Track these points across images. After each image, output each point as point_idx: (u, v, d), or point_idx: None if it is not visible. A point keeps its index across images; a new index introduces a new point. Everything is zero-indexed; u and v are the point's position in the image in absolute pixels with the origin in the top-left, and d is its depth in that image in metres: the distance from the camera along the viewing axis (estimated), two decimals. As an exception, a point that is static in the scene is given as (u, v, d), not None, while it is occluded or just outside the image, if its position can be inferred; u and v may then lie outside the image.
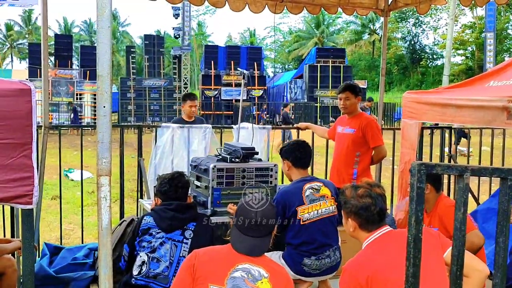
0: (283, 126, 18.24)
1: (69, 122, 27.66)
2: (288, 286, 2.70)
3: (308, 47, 55.62)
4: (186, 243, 3.41)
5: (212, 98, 33.40)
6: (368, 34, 60.05)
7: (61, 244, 5.87)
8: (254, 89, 33.76)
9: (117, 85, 33.82)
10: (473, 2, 5.70)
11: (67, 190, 9.95)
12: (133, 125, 23.24)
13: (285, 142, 4.25)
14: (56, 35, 39.95)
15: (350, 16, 42.98)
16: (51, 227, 7.47)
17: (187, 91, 34.10)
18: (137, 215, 5.19)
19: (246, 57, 34.92)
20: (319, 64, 33.69)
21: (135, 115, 31.93)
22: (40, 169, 4.82)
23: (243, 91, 5.67)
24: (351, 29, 61.48)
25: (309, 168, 5.12)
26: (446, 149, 6.71)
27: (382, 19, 6.55)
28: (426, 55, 57.17)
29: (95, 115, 29.74)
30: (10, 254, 4.05)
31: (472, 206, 5.67)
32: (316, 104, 32.66)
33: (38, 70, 26.42)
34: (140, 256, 3.40)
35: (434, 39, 58.29)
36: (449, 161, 6.55)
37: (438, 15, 54.33)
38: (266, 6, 5.97)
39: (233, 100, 32.82)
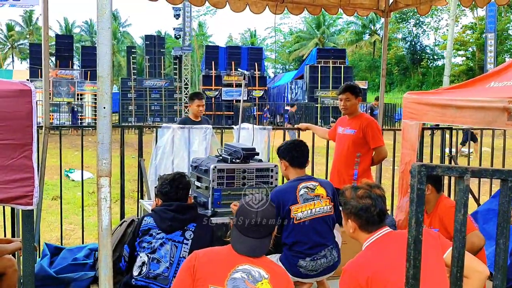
0: (282, 126, 18.20)
1: (69, 122, 27.66)
2: (288, 287, 2.70)
3: (308, 47, 55.62)
4: (187, 244, 3.41)
5: (213, 98, 33.42)
6: (368, 35, 60.03)
7: (61, 244, 5.88)
8: (255, 90, 33.77)
9: (117, 85, 33.84)
10: (473, 2, 5.70)
11: (67, 190, 9.96)
12: (134, 125, 23.28)
13: (283, 142, 4.25)
14: (57, 35, 40.00)
15: (351, 17, 43.00)
16: (51, 227, 7.47)
17: (187, 91, 34.12)
18: (137, 216, 5.19)
19: (246, 57, 34.94)
20: (319, 65, 33.69)
21: (135, 116, 31.95)
22: (41, 169, 4.82)
23: (244, 92, 5.67)
24: (352, 30, 61.48)
25: (310, 169, 5.13)
26: (447, 150, 6.70)
27: (382, 19, 6.56)
28: (426, 55, 57.15)
29: (95, 115, 29.74)
30: (10, 254, 4.06)
31: (472, 206, 5.66)
32: (316, 105, 32.66)
33: (39, 70, 26.46)
34: (140, 257, 3.40)
35: (435, 39, 58.24)
36: (450, 162, 6.55)
37: (439, 16, 54.39)
38: (267, 6, 5.97)
39: (234, 101, 32.84)
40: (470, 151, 9.80)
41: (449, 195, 6.28)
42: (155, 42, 35.10)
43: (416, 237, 1.68)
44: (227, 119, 32.50)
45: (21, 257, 4.26)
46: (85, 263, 4.94)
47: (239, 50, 36.95)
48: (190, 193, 3.79)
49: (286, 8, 6.07)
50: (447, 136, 6.58)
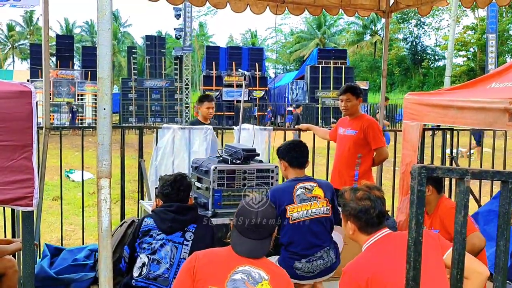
0: (283, 127, 18.17)
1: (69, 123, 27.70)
2: (289, 288, 2.70)
3: (309, 48, 55.60)
4: (187, 245, 3.40)
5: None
6: (369, 35, 60.02)
7: (62, 245, 5.88)
8: (256, 90, 33.78)
9: (118, 85, 33.86)
10: (474, 3, 5.69)
11: (68, 191, 9.96)
12: (134, 126, 23.28)
13: (283, 143, 4.25)
14: (57, 35, 40.01)
15: (352, 17, 42.96)
16: (52, 228, 7.47)
17: (188, 92, 34.14)
18: (137, 216, 5.19)
19: (247, 58, 34.98)
20: (320, 65, 33.66)
21: (136, 116, 31.96)
22: (41, 170, 4.82)
23: (244, 92, 5.67)
24: (353, 30, 61.46)
25: (310, 169, 5.12)
26: (448, 151, 6.70)
27: (383, 20, 6.55)
28: (427, 56, 57.14)
29: (96, 115, 29.73)
30: (11, 255, 4.06)
31: (473, 207, 5.66)
32: (317, 105, 32.65)
33: (40, 70, 26.47)
34: (141, 258, 3.40)
35: (436, 40, 58.21)
36: (451, 163, 6.54)
37: (440, 16, 54.36)
38: (267, 7, 5.97)
39: (234, 101, 32.85)
40: (471, 152, 9.79)
41: (450, 196, 6.28)
42: (155, 43, 35.11)
43: (416, 239, 1.68)
44: (228, 120, 32.51)
45: (21, 258, 4.27)
46: (85, 263, 4.94)
47: (239, 50, 36.99)
48: (190, 194, 3.78)
49: (286, 9, 6.07)
50: (448, 136, 6.58)
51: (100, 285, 2.22)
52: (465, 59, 50.59)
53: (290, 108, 32.49)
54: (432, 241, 2.62)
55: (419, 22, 56.00)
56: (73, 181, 11.49)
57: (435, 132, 7.04)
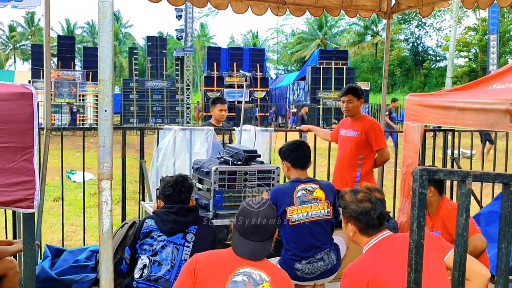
0: (284, 128, 18.10)
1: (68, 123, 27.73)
2: (289, 290, 2.70)
3: (310, 48, 55.61)
4: (188, 247, 3.40)
5: (215, 99, 33.37)
6: (371, 36, 60.01)
7: (63, 246, 5.88)
8: (257, 91, 33.79)
9: (119, 86, 33.90)
10: (476, 4, 5.69)
11: (69, 191, 9.95)
12: (135, 127, 23.32)
13: (285, 143, 4.24)
14: (59, 36, 40.07)
15: (353, 18, 43.03)
16: (53, 229, 7.47)
17: (189, 92, 34.15)
18: (139, 218, 5.19)
19: (248, 58, 35.00)
20: (321, 66, 33.64)
21: (137, 117, 31.99)
22: (42, 171, 4.82)
23: (245, 93, 5.67)
24: (354, 31, 61.45)
25: (312, 170, 5.11)
26: (449, 152, 6.69)
27: (385, 21, 6.55)
28: (429, 57, 57.08)
29: (97, 116, 29.73)
30: (12, 256, 4.06)
31: (475, 209, 5.65)
32: (318, 106, 32.64)
33: (41, 71, 26.52)
34: (142, 259, 3.39)
35: (437, 41, 58.17)
36: (452, 164, 6.54)
37: (442, 17, 54.29)
38: (269, 8, 5.97)
39: (236, 102, 32.85)
40: (473, 153, 9.76)
41: (451, 197, 6.27)
42: (157, 43, 35.16)
43: (417, 242, 1.68)
44: (229, 120, 32.36)
45: (22, 259, 4.27)
46: (86, 265, 4.94)
47: (241, 51, 37.02)
48: (191, 195, 3.78)
49: (288, 10, 6.07)
50: (449, 138, 6.58)
51: (101, 287, 2.21)
52: (466, 60, 50.51)
53: (294, 110, 32.53)
54: (433, 243, 2.62)
55: (420, 22, 55.94)
56: (74, 182, 11.48)
57: (436, 133, 7.04)
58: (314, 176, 5.62)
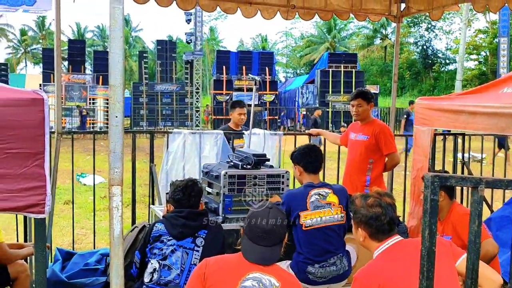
0: (293, 132, 17.97)
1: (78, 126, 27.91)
2: (300, 295, 2.69)
3: (319, 52, 55.55)
4: (197, 251, 3.40)
5: (224, 103, 33.48)
6: (380, 39, 59.85)
7: (73, 249, 5.90)
8: (266, 94, 33.80)
9: (129, 90, 34.05)
10: (486, 7, 5.66)
11: (79, 194, 9.99)
12: (145, 131, 23.43)
13: (296, 147, 4.23)
14: (69, 40, 40.29)
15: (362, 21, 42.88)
16: (63, 232, 7.51)
17: (198, 96, 34.22)
18: (148, 221, 5.20)
19: (257, 62, 35.02)
20: (331, 69, 33.57)
21: (147, 120, 32.10)
22: (53, 174, 4.84)
23: (255, 97, 5.66)
24: (363, 34, 61.33)
25: (321, 174, 5.10)
26: (459, 155, 6.66)
27: (394, 24, 6.53)
28: (438, 60, 56.82)
29: (107, 119, 29.93)
30: (23, 260, 4.08)
31: (485, 213, 5.61)
32: (328, 109, 32.58)
33: (52, 75, 26.65)
34: (151, 263, 3.40)
35: (447, 43, 57.91)
36: (462, 168, 6.50)
37: (451, 19, 54.06)
38: (278, 12, 5.98)
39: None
40: (483, 156, 9.72)
41: (461, 201, 6.23)
42: (166, 47, 35.27)
43: (429, 249, 1.66)
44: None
45: (33, 262, 4.29)
46: (96, 268, 4.96)
47: (250, 54, 37.05)
48: (201, 199, 3.78)
49: (297, 14, 6.07)
50: (459, 141, 6.54)
51: (112, 291, 2.22)
52: (476, 63, 50.24)
53: (304, 112, 32.45)
54: (444, 249, 2.60)
55: (429, 25, 55.74)
56: (84, 184, 11.53)
57: (446, 137, 7.00)
58: (324, 180, 5.60)
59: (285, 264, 3.83)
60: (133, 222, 5.73)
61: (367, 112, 5.27)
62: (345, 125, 22.75)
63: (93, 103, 31.02)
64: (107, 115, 30.09)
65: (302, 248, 3.79)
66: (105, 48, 55.47)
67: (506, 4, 5.47)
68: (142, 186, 8.17)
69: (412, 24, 55.51)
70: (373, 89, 32.65)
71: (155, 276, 3.36)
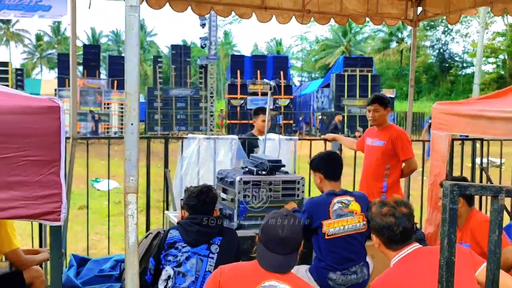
0: (308, 137, 17.80)
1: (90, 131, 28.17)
2: (316, 303, 2.66)
3: (335, 55, 55.42)
4: (212, 258, 3.38)
5: (238, 107, 33.54)
6: (396, 43, 59.56)
7: (88, 254, 5.92)
8: (281, 98, 33.77)
9: (144, 94, 34.26)
10: (505, 10, 5.59)
11: (93, 200, 10.01)
12: (160, 136, 23.50)
13: (316, 154, 4.19)
14: (84, 45, 40.69)
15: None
16: (78, 237, 7.53)
17: (213, 100, 34.29)
18: (163, 227, 5.20)
19: (272, 66, 35.02)
20: (346, 73, 33.46)
21: (161, 124, 32.25)
22: (68, 180, 4.86)
23: (269, 101, 5.64)
24: (379, 37, 61.10)
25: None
26: (478, 160, 6.57)
27: (410, 27, 6.48)
28: (455, 63, 56.41)
29: (122, 124, 30.13)
30: (38, 265, 4.10)
31: (505, 220, 5.53)
32: (343, 114, 32.47)
33: (67, 79, 26.92)
34: (166, 270, 3.38)
35: (464, 47, 57.45)
36: (481, 174, 6.41)
37: (468, 22, 53.62)
38: (293, 17, 5.96)
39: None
40: (502, 161, 9.59)
41: (479, 207, 6.15)
42: (181, 52, 35.43)
43: (448, 259, 1.63)
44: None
45: (48, 268, 4.31)
46: (111, 274, 4.97)
47: (264, 59, 37.07)
48: (216, 205, 3.76)
49: (312, 18, 6.05)
50: (478, 146, 6.46)
51: (126, 300, 2.21)
52: (494, 66, 49.78)
53: (320, 117, 32.36)
54: (464, 257, 2.55)
55: (446, 29, 55.35)
56: (99, 190, 11.55)
57: (464, 142, 6.92)
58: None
59: (303, 268, 3.80)
60: (147, 228, 5.73)
61: (383, 117, 5.23)
62: (361, 129, 22.59)
63: (108, 108, 31.23)
64: (122, 120, 30.31)
65: (323, 256, 3.75)
66: (120, 53, 55.95)
67: (525, 7, 5.40)
68: (156, 191, 8.17)
69: (428, 28, 55.17)
70: (389, 93, 32.52)
71: (170, 283, 3.35)
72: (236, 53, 52.75)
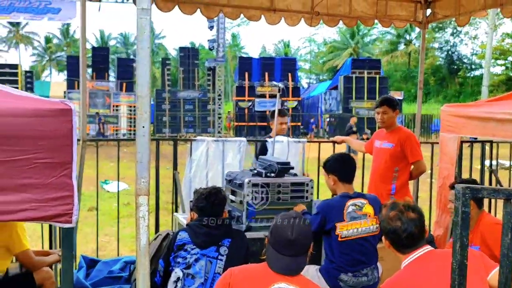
0: (317, 139, 17.77)
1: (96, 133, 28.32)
2: (325, 306, 2.66)
3: (342, 57, 55.38)
4: (221, 260, 3.38)
5: (246, 109, 33.58)
6: (404, 45, 59.39)
7: (97, 256, 5.94)
8: (289, 100, 33.78)
9: (152, 96, 34.40)
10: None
11: (103, 201, 10.06)
12: (168, 138, 23.55)
13: (329, 156, 4.17)
14: (93, 47, 40.89)
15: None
16: (87, 239, 7.56)
17: (221, 102, 34.34)
18: (172, 229, 5.21)
19: (280, 68, 35.06)
20: (354, 75, 33.42)
21: (170, 127, 32.33)
22: (78, 181, 4.88)
23: (278, 104, 5.64)
24: (387, 40, 60.96)
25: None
26: (487, 163, 6.54)
27: (418, 29, 6.45)
28: (464, 65, 56.15)
29: (131, 126, 30.23)
30: (48, 267, 4.12)
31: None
32: (351, 116, 32.41)
33: (76, 82, 27.06)
34: (175, 272, 3.39)
35: (472, 49, 57.19)
36: (490, 176, 6.38)
37: (477, 24, 53.36)
38: (302, 19, 5.95)
39: (267, 112, 32.89)
40: None
41: (489, 210, 6.12)
42: (189, 54, 35.55)
43: (461, 262, 1.63)
44: (260, 130, 32.57)
45: (58, 269, 4.33)
46: (120, 276, 4.98)
47: (272, 61, 37.10)
48: (225, 207, 3.77)
49: (321, 20, 6.04)
50: (487, 148, 6.43)
51: (137, 301, 2.21)
52: (503, 68, 49.46)
53: (328, 119, 32.32)
54: (475, 261, 2.54)
55: (455, 30, 55.12)
56: (108, 191, 11.61)
57: (473, 144, 6.89)
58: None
59: (314, 268, 3.80)
60: (157, 229, 5.75)
61: (392, 120, 5.21)
62: (368, 131, 22.52)
63: (117, 110, 31.36)
64: (131, 122, 30.43)
65: (334, 257, 3.75)
66: (129, 55, 56.18)
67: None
68: (165, 193, 8.19)
69: (437, 29, 54.95)
70: (397, 95, 32.43)
71: (179, 285, 3.35)
72: (244, 55, 52.79)
